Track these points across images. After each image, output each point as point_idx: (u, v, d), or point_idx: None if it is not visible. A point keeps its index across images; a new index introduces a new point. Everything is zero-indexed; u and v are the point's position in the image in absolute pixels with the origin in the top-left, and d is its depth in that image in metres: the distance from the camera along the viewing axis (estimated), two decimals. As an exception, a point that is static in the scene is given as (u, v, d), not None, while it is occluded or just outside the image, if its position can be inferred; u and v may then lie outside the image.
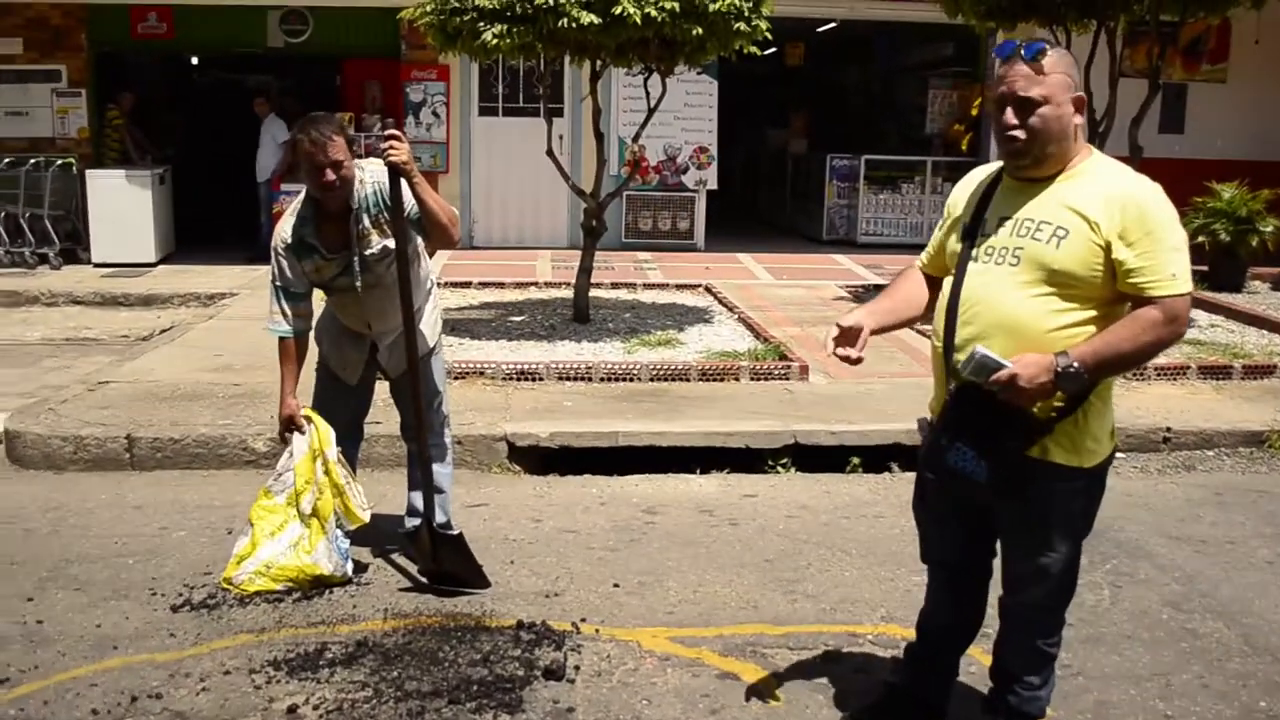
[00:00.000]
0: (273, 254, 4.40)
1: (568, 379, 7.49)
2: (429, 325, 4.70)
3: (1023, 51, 2.92)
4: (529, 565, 4.76)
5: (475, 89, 13.68)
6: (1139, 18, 9.37)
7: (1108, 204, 2.88)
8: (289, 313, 4.41)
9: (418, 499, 4.76)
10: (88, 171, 12.66)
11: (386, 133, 4.23)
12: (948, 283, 3.11)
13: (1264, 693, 3.77)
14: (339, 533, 4.50)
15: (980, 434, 2.96)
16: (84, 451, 6.13)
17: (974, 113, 14.96)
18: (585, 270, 9.29)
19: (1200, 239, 11.34)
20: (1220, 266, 11.51)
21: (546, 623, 4.16)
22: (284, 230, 4.37)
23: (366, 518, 4.55)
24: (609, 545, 5.04)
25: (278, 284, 4.40)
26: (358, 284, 4.39)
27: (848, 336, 3.15)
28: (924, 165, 14.98)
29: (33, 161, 12.71)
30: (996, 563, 3.30)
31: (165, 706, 3.58)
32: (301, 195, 4.41)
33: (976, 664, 3.70)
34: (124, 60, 14.68)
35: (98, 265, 12.60)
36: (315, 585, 4.48)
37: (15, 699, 3.64)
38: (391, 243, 4.31)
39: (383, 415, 5.45)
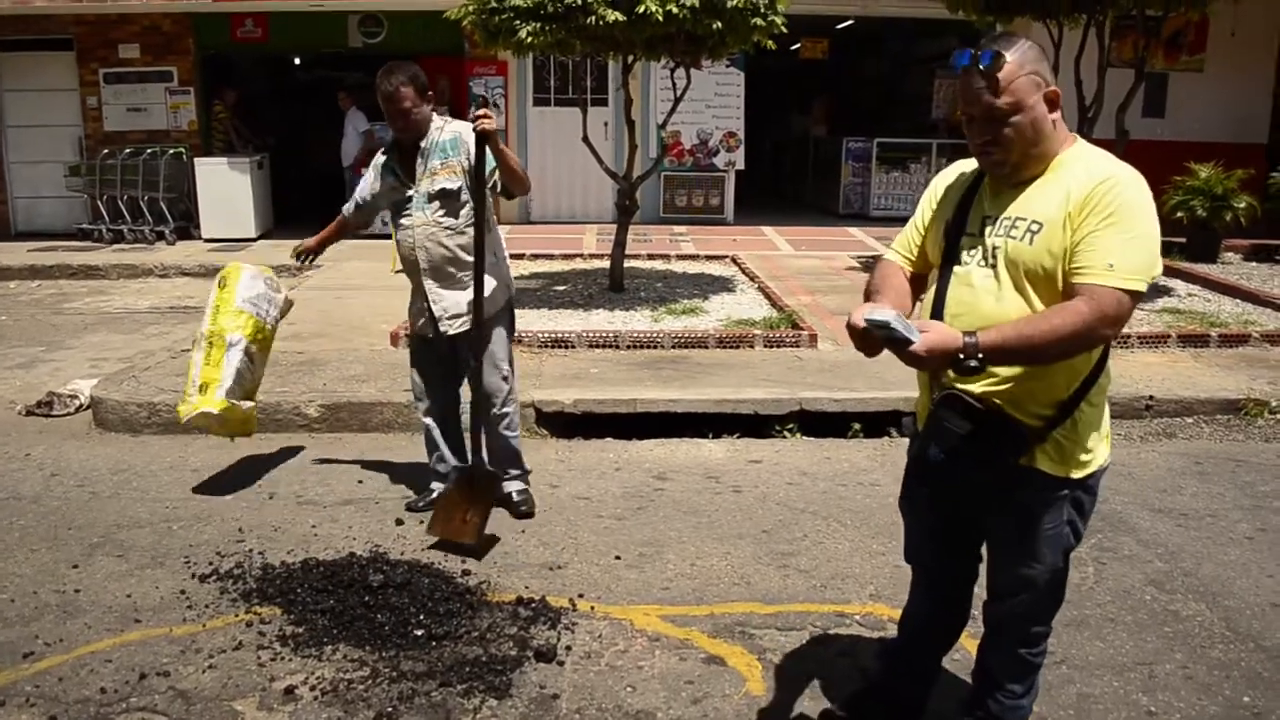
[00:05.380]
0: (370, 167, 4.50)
1: (597, 346, 6.94)
2: (489, 294, 4.22)
3: (980, 63, 2.22)
4: (539, 535, 4.22)
5: (530, 82, 13.04)
6: (1125, 12, 8.64)
7: (1080, 190, 2.22)
8: (352, 206, 4.57)
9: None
10: (196, 159, 12.30)
11: (481, 110, 3.98)
12: (932, 286, 2.49)
13: (1248, 685, 3.13)
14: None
15: (969, 446, 2.34)
16: (157, 416, 5.69)
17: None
18: (619, 244, 8.69)
19: (1179, 214, 10.53)
20: (1196, 240, 10.68)
21: (545, 599, 3.62)
22: (379, 154, 4.45)
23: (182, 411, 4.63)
24: (617, 514, 4.49)
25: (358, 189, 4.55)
26: (415, 216, 4.20)
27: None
28: (930, 147, 14.24)
29: (149, 151, 12.37)
30: (982, 567, 2.70)
31: (171, 685, 3.11)
32: None
33: (962, 651, 3.13)
34: (233, 61, 14.23)
35: (207, 240, 12.24)
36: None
37: (35, 674, 3.19)
38: (451, 184, 4.15)
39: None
